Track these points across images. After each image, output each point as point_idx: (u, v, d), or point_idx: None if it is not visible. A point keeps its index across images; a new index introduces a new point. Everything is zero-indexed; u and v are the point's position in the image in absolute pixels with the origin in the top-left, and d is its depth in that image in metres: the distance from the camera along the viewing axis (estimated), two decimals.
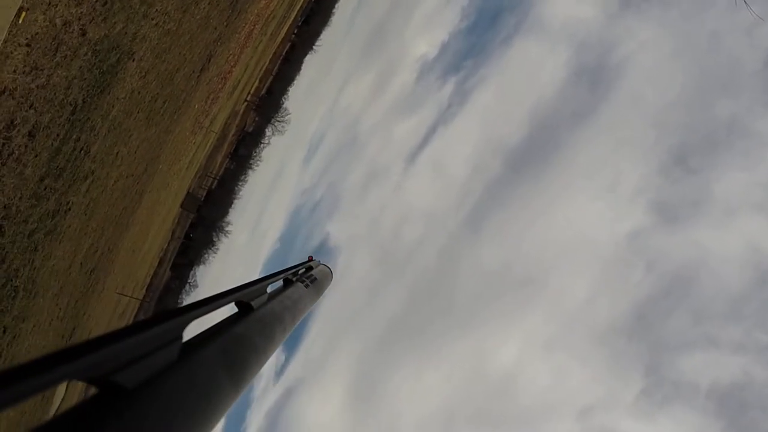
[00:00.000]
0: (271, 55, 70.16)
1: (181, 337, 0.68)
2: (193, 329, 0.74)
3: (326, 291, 1.78)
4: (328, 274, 1.85)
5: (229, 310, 0.93)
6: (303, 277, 1.49)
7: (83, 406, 0.50)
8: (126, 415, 0.52)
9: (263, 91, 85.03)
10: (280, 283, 1.34)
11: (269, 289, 1.15)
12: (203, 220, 74.73)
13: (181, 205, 59.22)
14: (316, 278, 1.60)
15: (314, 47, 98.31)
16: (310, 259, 1.78)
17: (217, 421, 0.71)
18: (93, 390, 0.53)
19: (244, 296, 0.96)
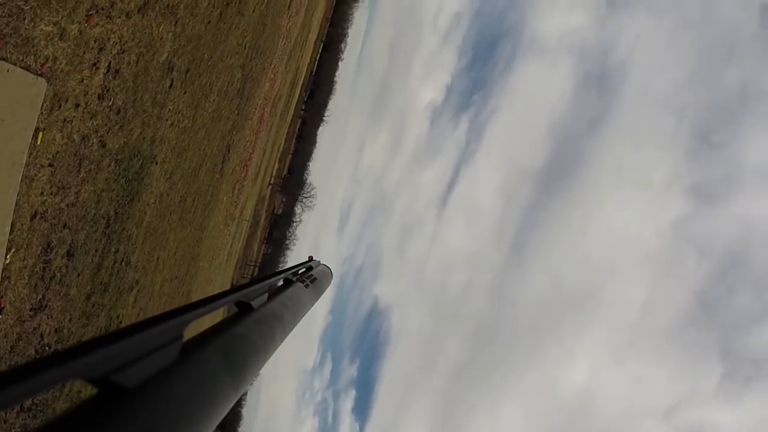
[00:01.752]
0: (285, 135, 71.80)
1: (181, 336, 0.67)
2: (193, 329, 0.73)
3: (326, 291, 1.76)
4: (328, 274, 1.84)
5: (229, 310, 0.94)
6: (303, 277, 1.48)
7: (83, 406, 0.50)
8: (126, 415, 0.51)
9: (285, 172, 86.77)
10: (280, 283, 1.35)
11: (269, 289, 1.14)
12: None
13: None
14: (316, 278, 1.59)
15: (324, 118, 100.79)
16: (310, 258, 1.78)
17: (217, 421, 0.70)
18: (93, 390, 0.52)
19: (244, 296, 0.97)
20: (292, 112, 72.34)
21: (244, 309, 0.97)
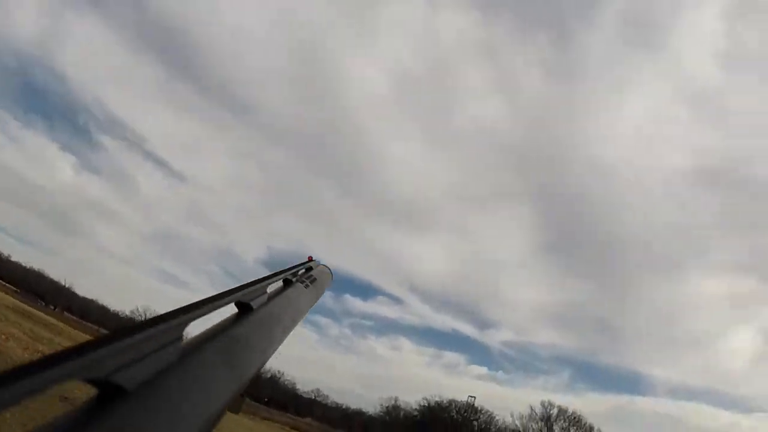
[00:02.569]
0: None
1: (181, 337, 0.66)
2: (193, 329, 0.72)
3: (326, 291, 1.71)
4: (328, 275, 1.77)
5: (229, 310, 0.89)
6: (302, 278, 1.42)
7: (83, 407, 0.50)
8: (126, 415, 0.51)
9: None
10: (279, 283, 1.27)
11: (269, 290, 1.08)
12: None
13: None
14: (315, 278, 1.53)
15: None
16: (310, 259, 1.68)
17: (217, 421, 0.69)
18: (93, 390, 0.51)
19: (244, 296, 0.92)
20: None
21: (243, 309, 0.92)
